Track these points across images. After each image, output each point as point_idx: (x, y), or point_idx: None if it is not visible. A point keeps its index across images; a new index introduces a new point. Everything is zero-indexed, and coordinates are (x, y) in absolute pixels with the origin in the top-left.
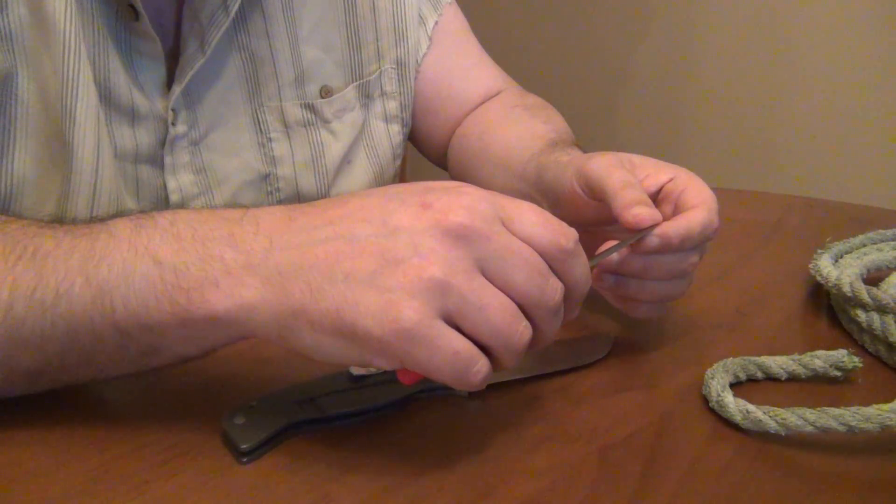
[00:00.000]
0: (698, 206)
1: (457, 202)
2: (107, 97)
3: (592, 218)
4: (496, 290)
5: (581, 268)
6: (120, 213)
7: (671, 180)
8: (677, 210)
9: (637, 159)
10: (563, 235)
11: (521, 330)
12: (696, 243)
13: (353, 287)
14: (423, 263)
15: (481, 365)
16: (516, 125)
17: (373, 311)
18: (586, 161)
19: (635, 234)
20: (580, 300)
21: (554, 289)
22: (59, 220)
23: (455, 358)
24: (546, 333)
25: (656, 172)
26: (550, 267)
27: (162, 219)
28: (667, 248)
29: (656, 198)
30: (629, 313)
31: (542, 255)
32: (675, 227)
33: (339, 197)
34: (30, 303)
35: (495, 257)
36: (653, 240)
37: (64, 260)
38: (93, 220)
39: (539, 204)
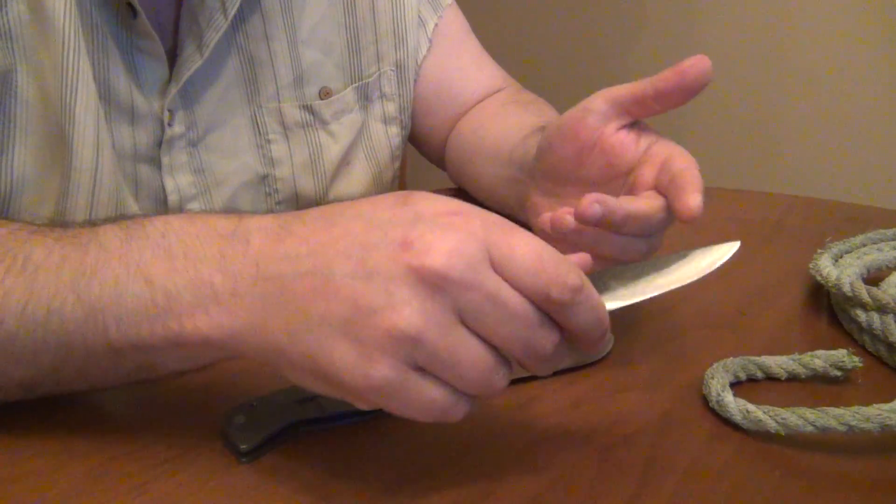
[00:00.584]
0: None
1: (440, 243)
2: (106, 95)
3: (581, 172)
4: (473, 341)
5: (587, 313)
6: (113, 217)
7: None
8: (673, 183)
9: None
10: (559, 284)
11: (496, 381)
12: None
13: (326, 334)
14: (394, 316)
15: (459, 407)
16: (508, 118)
17: (346, 362)
18: (615, 88)
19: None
20: (595, 342)
21: (543, 340)
22: (50, 222)
23: (431, 406)
24: (540, 371)
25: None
26: (549, 314)
27: (153, 229)
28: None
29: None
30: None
31: (535, 303)
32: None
33: (331, 212)
34: (21, 318)
35: (475, 307)
36: (594, 210)
37: (55, 273)
38: (83, 224)
39: (526, 187)
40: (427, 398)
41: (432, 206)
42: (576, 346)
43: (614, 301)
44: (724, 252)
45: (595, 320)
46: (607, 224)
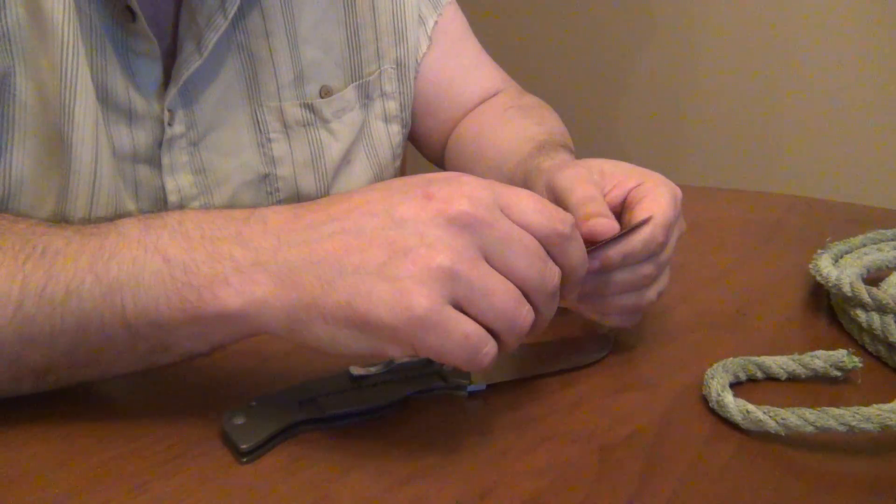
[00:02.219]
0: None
1: (458, 191)
2: (104, 97)
3: None
4: (500, 275)
5: (578, 251)
6: (124, 214)
7: (637, 186)
8: (629, 221)
9: (609, 167)
10: (560, 221)
11: (525, 313)
12: (640, 259)
13: (363, 278)
14: (430, 252)
15: (490, 347)
16: (509, 127)
17: (385, 300)
18: (555, 173)
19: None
20: (578, 283)
21: (552, 272)
22: (67, 220)
23: (466, 341)
24: (544, 316)
25: (625, 179)
26: (548, 252)
27: (171, 218)
28: (609, 266)
29: (622, 205)
30: (605, 323)
31: (540, 240)
32: (615, 247)
33: (343, 193)
34: (40, 300)
35: (497, 244)
36: (593, 262)
37: (74, 258)
38: (101, 219)
39: None
40: (462, 332)
41: (439, 173)
42: (562, 291)
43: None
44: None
45: (582, 258)
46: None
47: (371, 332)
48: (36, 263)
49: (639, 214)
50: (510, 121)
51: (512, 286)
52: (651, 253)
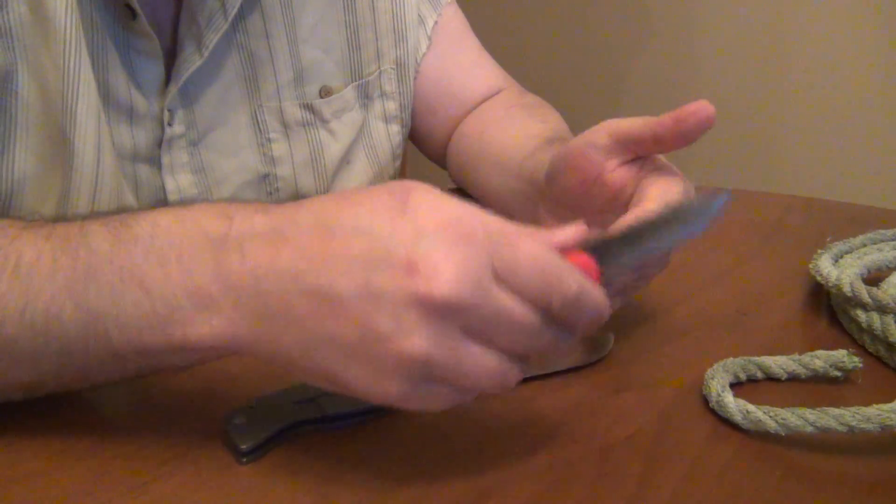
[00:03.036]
0: (658, 197)
1: (445, 266)
2: (105, 95)
3: (591, 201)
4: (482, 352)
5: (588, 313)
6: (99, 214)
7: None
8: (637, 195)
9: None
10: (560, 294)
11: (508, 379)
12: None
13: (338, 354)
14: (404, 342)
15: (469, 399)
16: (514, 125)
17: (360, 382)
18: (617, 120)
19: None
20: (599, 324)
21: (546, 341)
22: (37, 217)
23: (447, 403)
24: (543, 358)
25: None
26: (554, 315)
27: (140, 230)
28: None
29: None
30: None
31: (539, 308)
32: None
33: (326, 218)
34: (20, 323)
35: (482, 324)
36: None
37: (49, 279)
38: (72, 221)
39: (535, 202)
40: (442, 399)
41: (434, 216)
42: (583, 329)
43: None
44: (721, 201)
45: (596, 317)
46: None
47: (352, 395)
48: (11, 281)
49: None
50: (514, 119)
51: (494, 360)
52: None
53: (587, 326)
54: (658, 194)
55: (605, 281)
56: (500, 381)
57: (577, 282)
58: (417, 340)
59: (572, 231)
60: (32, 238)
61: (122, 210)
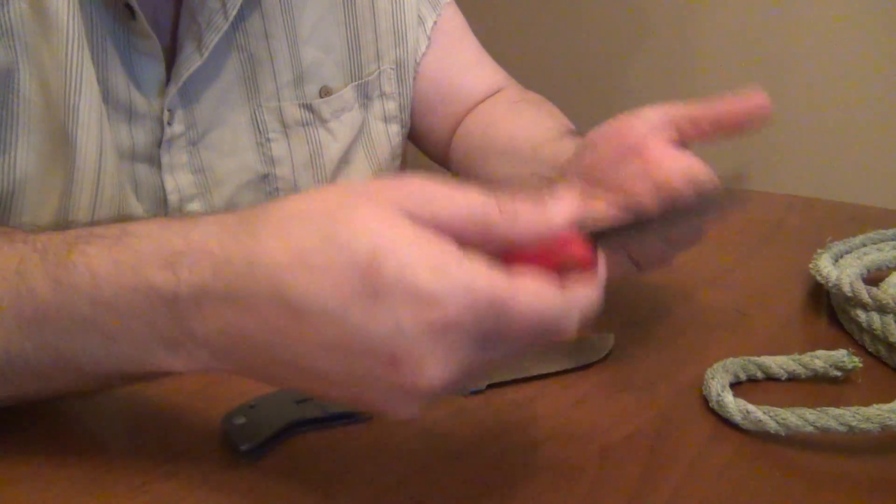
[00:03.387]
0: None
1: (430, 362)
2: (105, 94)
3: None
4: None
5: (584, 322)
6: (36, 247)
7: None
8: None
9: None
10: (557, 336)
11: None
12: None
13: (333, 394)
14: (398, 410)
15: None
16: (521, 117)
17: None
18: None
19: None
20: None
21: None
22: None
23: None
24: None
25: None
26: None
27: (79, 277)
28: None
29: None
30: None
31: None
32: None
33: (287, 285)
34: None
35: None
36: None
37: (13, 318)
38: (5, 249)
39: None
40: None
41: (409, 301)
42: None
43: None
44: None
45: (588, 321)
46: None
47: None
48: None
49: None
50: (522, 112)
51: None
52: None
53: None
54: (685, 169)
55: (601, 264)
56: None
57: (578, 318)
58: (412, 408)
59: (567, 206)
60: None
61: (124, 216)
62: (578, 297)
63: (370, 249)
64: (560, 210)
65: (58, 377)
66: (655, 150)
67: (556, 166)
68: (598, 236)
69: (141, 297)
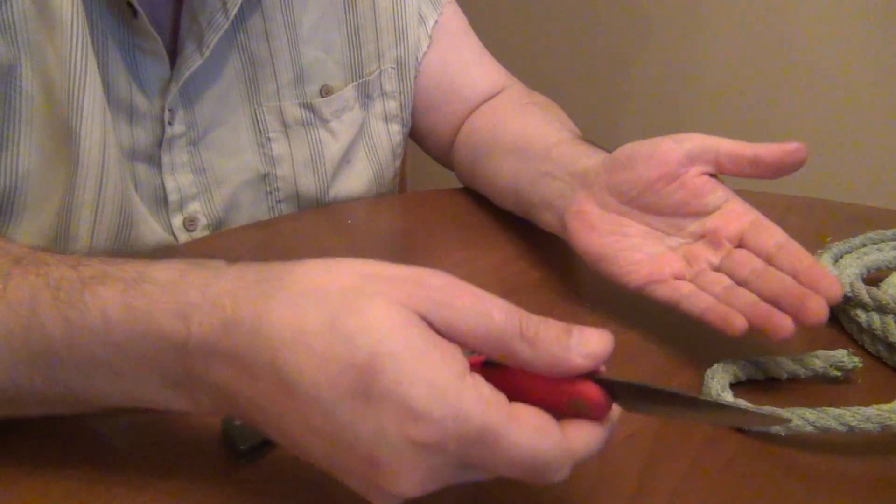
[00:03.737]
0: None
1: (408, 475)
2: (106, 93)
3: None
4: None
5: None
6: (48, 285)
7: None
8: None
9: None
10: (543, 481)
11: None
12: None
13: (322, 465)
14: (377, 500)
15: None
16: (532, 117)
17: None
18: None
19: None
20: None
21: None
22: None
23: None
24: None
25: None
26: None
27: (92, 318)
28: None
29: None
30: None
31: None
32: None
33: (286, 361)
34: None
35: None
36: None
37: (8, 351)
38: (20, 283)
39: (568, 186)
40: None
41: (399, 413)
42: None
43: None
44: (766, 422)
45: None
46: None
47: None
48: None
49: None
50: (532, 114)
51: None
52: None
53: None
54: (759, 225)
55: (612, 410)
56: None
57: (567, 469)
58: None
59: (592, 349)
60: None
61: (117, 233)
62: (578, 444)
63: (372, 351)
64: (584, 352)
65: (63, 407)
66: (697, 180)
67: (573, 172)
68: (616, 389)
69: (151, 343)
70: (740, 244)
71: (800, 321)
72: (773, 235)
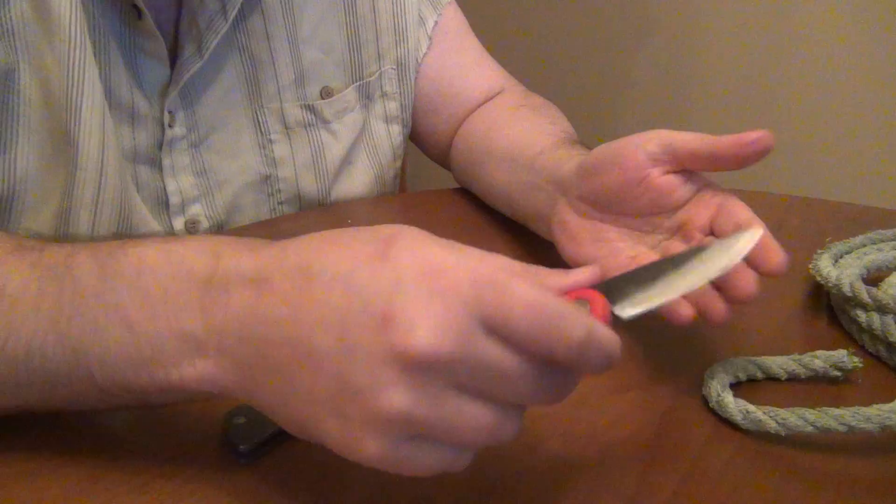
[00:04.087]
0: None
1: (424, 319)
2: (108, 96)
3: (634, 205)
4: (471, 405)
5: (596, 357)
6: (86, 246)
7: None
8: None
9: None
10: (564, 343)
11: (506, 431)
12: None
13: (315, 408)
14: (380, 398)
15: (461, 462)
16: (523, 122)
17: (335, 440)
18: (664, 132)
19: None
20: (612, 366)
21: (548, 390)
22: (26, 238)
23: (430, 468)
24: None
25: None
26: (556, 364)
27: (127, 264)
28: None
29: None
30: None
31: (538, 357)
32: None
33: (310, 261)
34: (2, 355)
35: (469, 377)
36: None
37: (33, 311)
38: (59, 248)
39: (552, 196)
40: (424, 465)
41: (415, 265)
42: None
43: (633, 308)
44: (745, 243)
45: (605, 359)
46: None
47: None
48: None
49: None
50: (523, 118)
51: (486, 413)
52: None
53: (596, 370)
54: (726, 206)
55: (616, 320)
56: (497, 435)
57: (584, 326)
58: (395, 396)
59: (586, 274)
60: (18, 265)
61: (116, 235)
62: (585, 314)
63: (393, 231)
64: (576, 275)
65: (66, 382)
66: (662, 181)
67: (555, 180)
68: (608, 289)
69: (176, 282)
70: (710, 231)
71: (731, 299)
72: (734, 216)
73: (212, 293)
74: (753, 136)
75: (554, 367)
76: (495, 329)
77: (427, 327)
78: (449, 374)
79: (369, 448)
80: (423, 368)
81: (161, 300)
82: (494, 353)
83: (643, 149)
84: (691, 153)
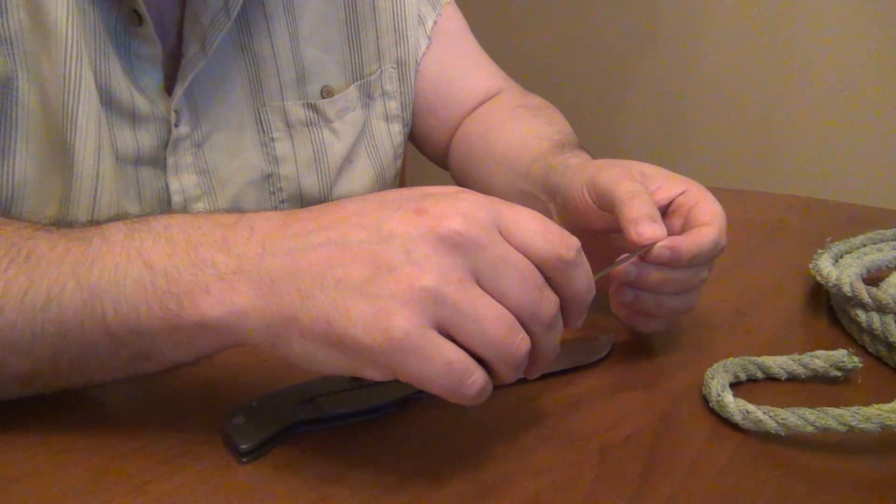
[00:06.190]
0: (710, 223)
1: (453, 208)
2: (107, 100)
3: (601, 226)
4: (491, 300)
5: (582, 278)
6: (118, 216)
7: (683, 193)
8: (688, 225)
9: (649, 170)
10: (564, 245)
11: (518, 342)
12: (705, 260)
13: (343, 294)
14: (415, 271)
15: (476, 377)
16: (519, 125)
17: (363, 320)
18: (597, 172)
19: (643, 247)
20: (583, 311)
21: (549, 301)
22: (58, 222)
23: (448, 369)
24: (544, 349)
25: (668, 185)
26: (550, 277)
27: (157, 223)
28: (677, 262)
29: (667, 210)
30: (638, 328)
31: (540, 265)
32: (687, 244)
33: (337, 202)
34: (20, 306)
35: (490, 267)
36: (663, 252)
37: (57, 263)
38: (90, 223)
39: (545, 205)
40: (445, 358)
41: (437, 187)
42: (566, 317)
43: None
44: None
45: (588, 285)
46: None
47: (348, 352)
48: (19, 268)
49: (699, 217)
50: (520, 119)
51: (504, 311)
52: (713, 256)
53: (579, 293)
54: (694, 209)
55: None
56: (511, 337)
57: (577, 246)
58: (429, 268)
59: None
60: (48, 235)
61: (122, 215)
62: (578, 243)
63: (424, 190)
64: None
65: (78, 329)
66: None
67: (545, 189)
68: None
69: (200, 229)
70: None
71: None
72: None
73: (236, 230)
74: (656, 249)
75: (549, 286)
76: (508, 232)
77: (456, 216)
78: (473, 259)
79: (399, 321)
80: (453, 245)
81: (184, 241)
82: (506, 248)
83: (587, 202)
84: (608, 224)
